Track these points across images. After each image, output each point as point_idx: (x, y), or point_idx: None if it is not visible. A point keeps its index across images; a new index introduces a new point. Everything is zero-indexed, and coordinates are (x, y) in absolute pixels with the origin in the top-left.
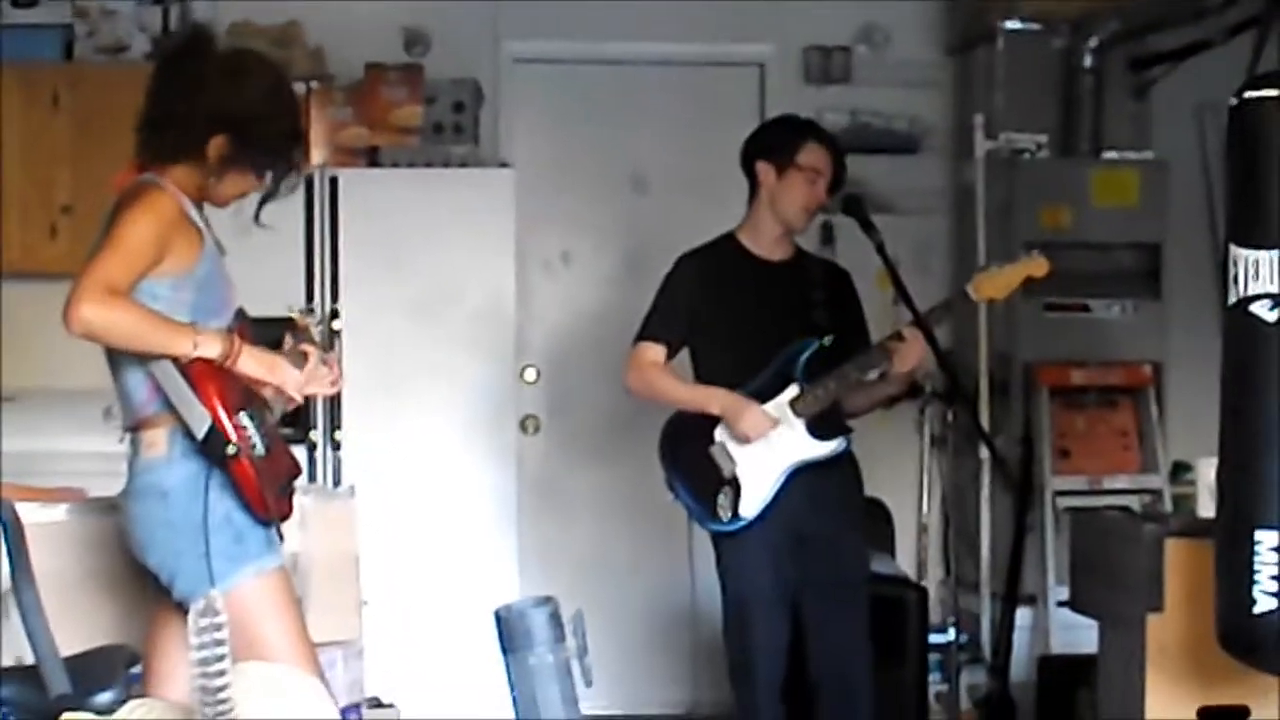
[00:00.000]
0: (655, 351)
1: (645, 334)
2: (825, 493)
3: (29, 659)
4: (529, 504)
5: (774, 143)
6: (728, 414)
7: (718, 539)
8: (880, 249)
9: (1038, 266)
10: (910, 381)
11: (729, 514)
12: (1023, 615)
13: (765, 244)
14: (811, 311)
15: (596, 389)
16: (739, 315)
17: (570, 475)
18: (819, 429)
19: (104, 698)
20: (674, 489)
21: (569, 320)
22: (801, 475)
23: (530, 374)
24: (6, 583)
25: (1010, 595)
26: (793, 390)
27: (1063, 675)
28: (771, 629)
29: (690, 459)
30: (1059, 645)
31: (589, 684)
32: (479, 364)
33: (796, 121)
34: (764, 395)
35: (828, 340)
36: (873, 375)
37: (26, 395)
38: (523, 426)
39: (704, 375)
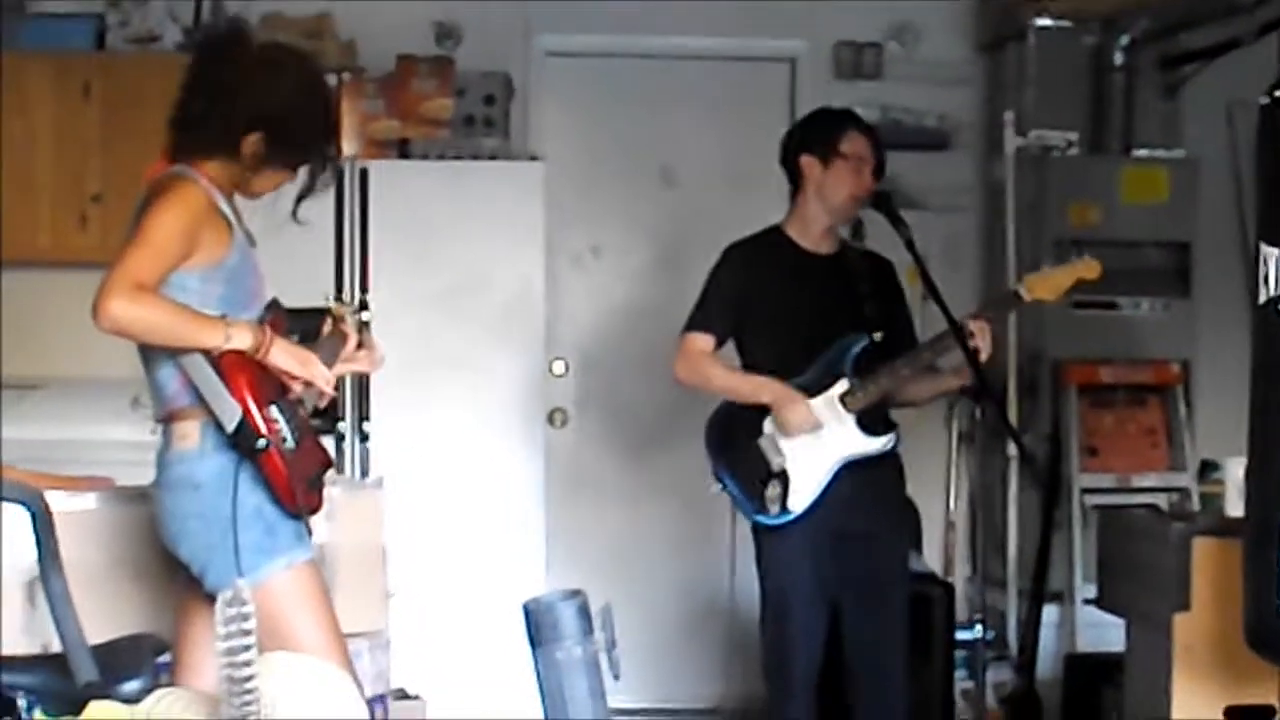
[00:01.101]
0: (704, 341)
1: (693, 324)
2: (871, 489)
3: (56, 646)
4: (557, 497)
5: (816, 135)
6: (777, 405)
7: (760, 531)
8: (910, 245)
9: (1089, 269)
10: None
11: (778, 507)
12: (1049, 613)
13: (812, 237)
14: (859, 305)
15: (625, 382)
16: (786, 307)
17: (599, 468)
18: (868, 425)
19: (131, 686)
20: (721, 479)
21: (598, 313)
22: (848, 471)
23: (559, 367)
24: (35, 570)
25: (1037, 593)
26: (843, 385)
27: (1089, 673)
28: (810, 624)
29: (739, 450)
30: (1085, 643)
31: (617, 678)
32: (508, 356)
33: (834, 112)
34: (813, 389)
35: (878, 336)
36: (934, 365)
37: (55, 384)
38: (551, 419)
39: (750, 366)
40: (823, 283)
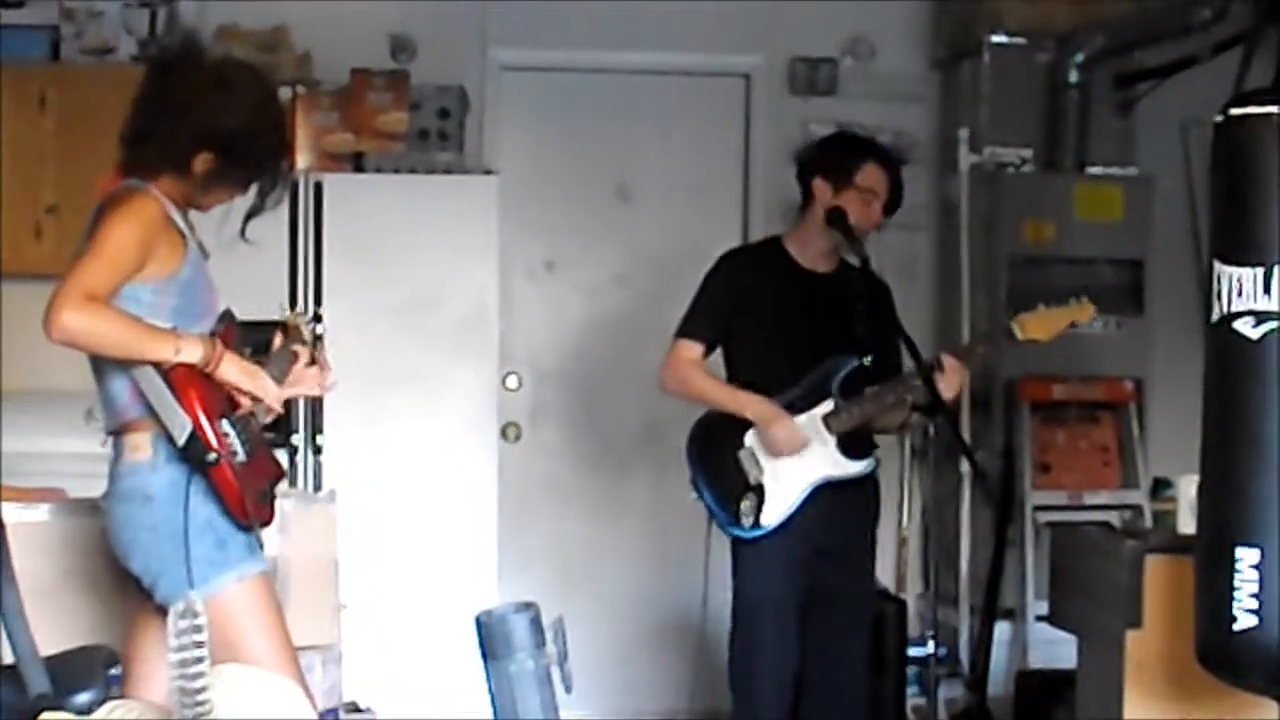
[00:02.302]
0: (693, 350)
1: (685, 331)
2: (846, 510)
3: (8, 658)
4: (511, 511)
5: (834, 161)
6: (762, 422)
7: (736, 544)
8: (865, 263)
9: (1083, 311)
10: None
11: (751, 520)
12: (1001, 630)
13: (810, 256)
14: (851, 326)
15: (580, 396)
16: (777, 322)
17: (553, 482)
18: (849, 447)
19: (83, 698)
20: (698, 489)
21: (553, 328)
22: (826, 490)
23: (513, 381)
24: None
25: (989, 609)
26: (828, 406)
27: (1041, 690)
28: (779, 638)
29: (718, 461)
30: (1037, 660)
31: (569, 690)
32: (461, 370)
33: (858, 141)
34: (799, 407)
35: (868, 360)
36: (907, 399)
37: (7, 396)
38: (504, 433)
39: (735, 378)
40: (816, 300)
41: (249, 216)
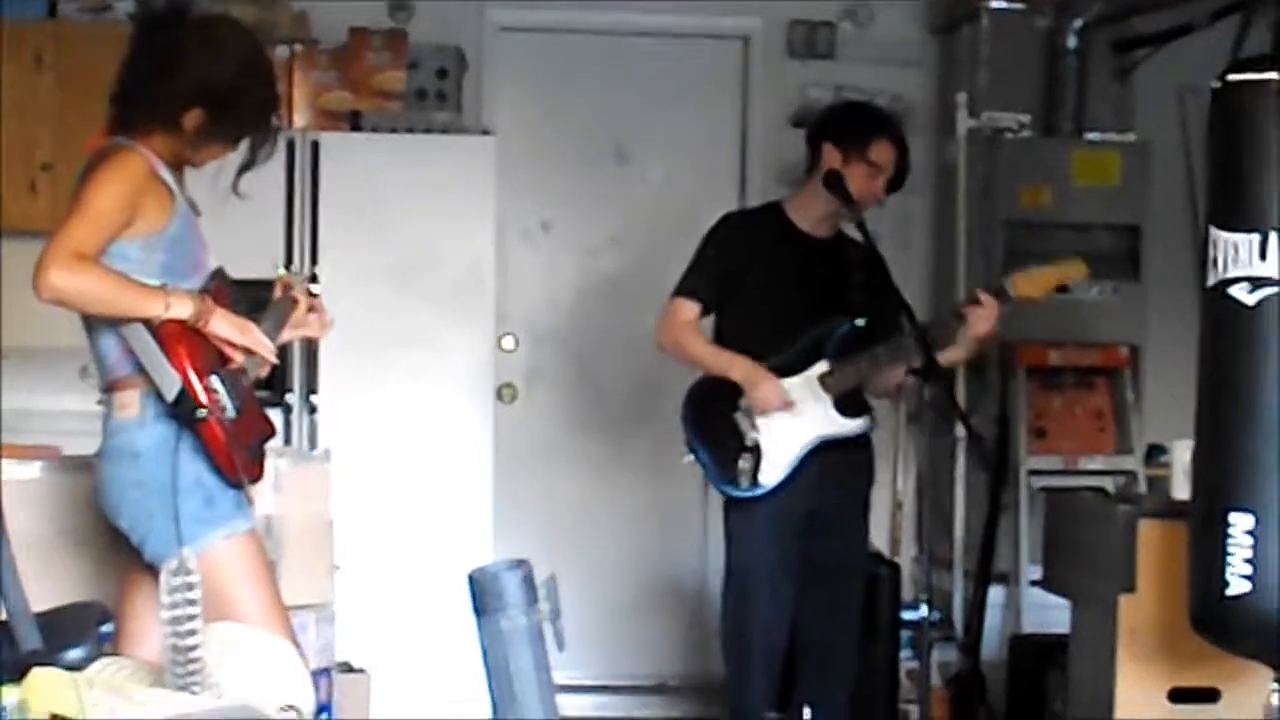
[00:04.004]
0: (690, 309)
1: (681, 290)
2: (841, 470)
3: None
4: (506, 471)
5: (848, 129)
6: (747, 384)
7: (730, 505)
8: (861, 225)
9: (1076, 270)
10: (980, 348)
11: (749, 480)
12: (995, 594)
13: (811, 220)
14: (846, 291)
15: (575, 358)
16: (774, 285)
17: (548, 443)
18: (845, 407)
19: (74, 654)
20: (695, 451)
21: (549, 289)
22: (822, 451)
23: (509, 342)
24: None
25: (983, 574)
26: (823, 366)
27: (1034, 654)
28: (774, 601)
29: (713, 422)
30: (1031, 624)
31: (561, 648)
32: (457, 331)
33: (876, 114)
34: (794, 369)
35: (862, 322)
36: (902, 359)
37: (6, 354)
38: (500, 394)
39: (727, 338)
40: (812, 265)
41: (241, 171)
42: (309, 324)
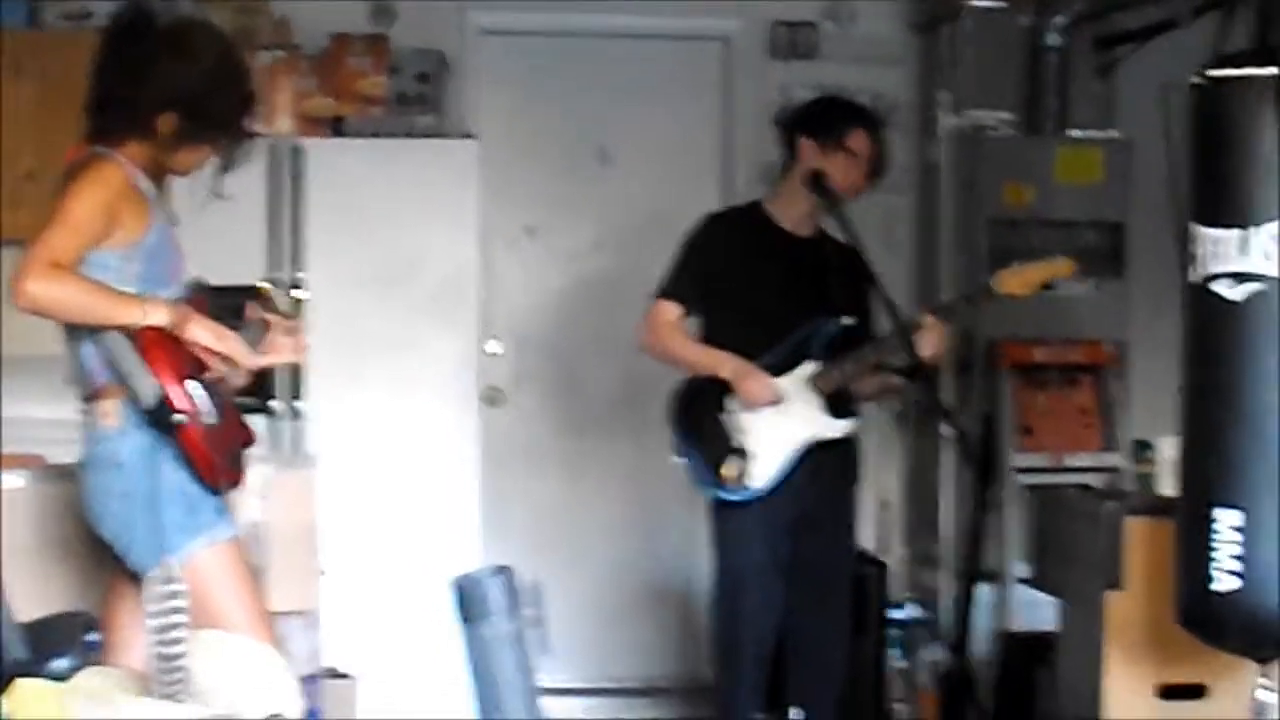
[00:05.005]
0: (672, 311)
1: (664, 291)
2: (829, 471)
3: None
4: (493, 476)
5: (823, 122)
6: (736, 379)
7: (717, 507)
8: (843, 221)
9: (1064, 267)
10: (928, 368)
11: (738, 482)
12: (983, 592)
13: (792, 218)
14: (829, 290)
15: (561, 361)
16: (757, 285)
17: (535, 447)
18: (834, 408)
19: (60, 664)
20: (683, 453)
21: (533, 293)
22: (810, 452)
23: (493, 346)
24: None
25: (970, 572)
26: (811, 367)
27: (1023, 652)
28: (763, 603)
29: (701, 424)
30: (1019, 622)
31: (546, 654)
32: (442, 335)
33: (849, 105)
34: (780, 369)
35: (849, 320)
36: (889, 360)
37: None
38: (485, 399)
39: (711, 339)
40: (796, 265)
41: (219, 173)
42: (278, 348)
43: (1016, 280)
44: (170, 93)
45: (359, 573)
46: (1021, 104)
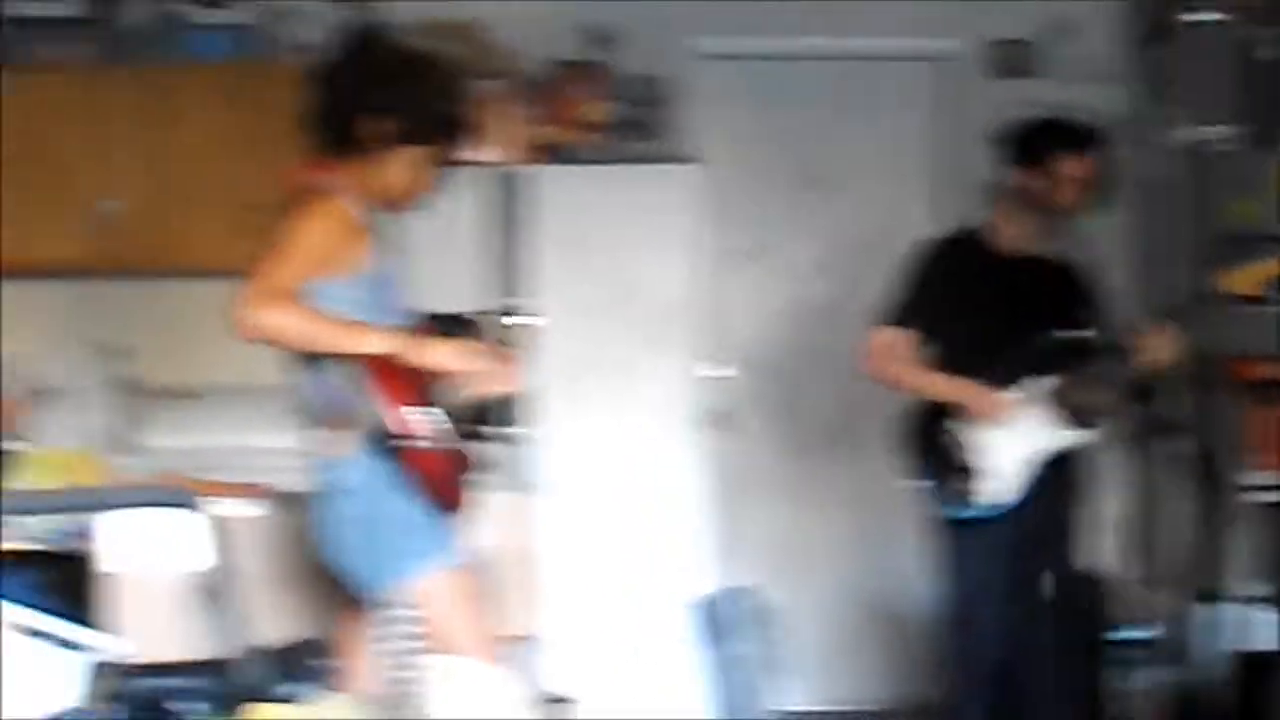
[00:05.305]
0: (901, 340)
1: (891, 320)
2: (1057, 490)
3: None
4: (723, 500)
5: (1033, 146)
6: (973, 403)
7: (949, 527)
8: (1062, 241)
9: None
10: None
11: (973, 501)
12: (1214, 612)
13: (1012, 238)
14: (1052, 309)
15: (790, 383)
16: (981, 309)
17: (766, 470)
18: (1065, 421)
19: (294, 690)
20: (916, 476)
21: (760, 315)
22: (1042, 469)
23: (721, 370)
24: (201, 575)
25: (1201, 592)
26: (1038, 383)
27: (1256, 673)
28: (997, 622)
29: (935, 446)
30: (1251, 643)
31: (784, 677)
32: (668, 360)
33: (1059, 127)
34: (1007, 387)
35: (1074, 334)
36: (1117, 372)
37: (216, 391)
38: (714, 422)
39: (939, 365)
40: (1017, 286)
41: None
42: (494, 377)
43: (1243, 278)
44: (386, 116)
45: (586, 597)
46: (1244, 118)
